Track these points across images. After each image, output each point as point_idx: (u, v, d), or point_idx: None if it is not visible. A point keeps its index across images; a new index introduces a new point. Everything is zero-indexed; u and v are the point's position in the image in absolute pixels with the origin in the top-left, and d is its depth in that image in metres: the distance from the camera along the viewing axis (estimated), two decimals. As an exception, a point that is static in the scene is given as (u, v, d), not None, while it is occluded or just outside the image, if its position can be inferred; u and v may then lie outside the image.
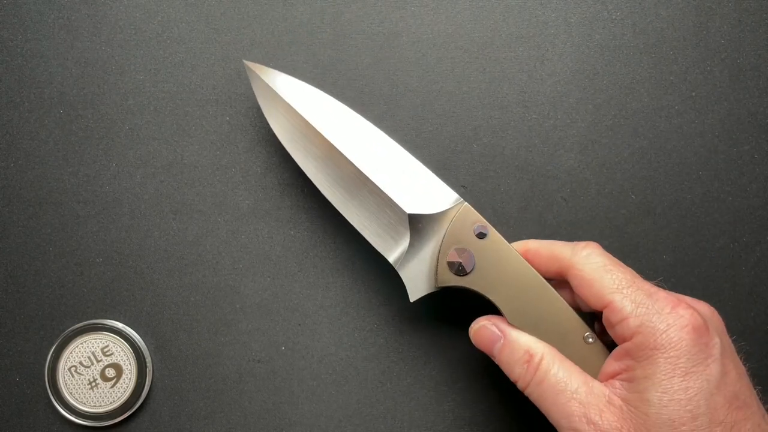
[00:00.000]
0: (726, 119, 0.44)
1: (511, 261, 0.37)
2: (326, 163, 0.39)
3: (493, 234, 0.37)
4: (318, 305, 0.43)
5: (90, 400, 0.42)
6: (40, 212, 0.43)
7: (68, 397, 0.42)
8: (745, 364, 0.34)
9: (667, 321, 0.32)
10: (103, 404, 0.42)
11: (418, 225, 0.38)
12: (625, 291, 0.34)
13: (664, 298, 0.33)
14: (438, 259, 0.38)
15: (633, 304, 0.33)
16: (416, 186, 0.39)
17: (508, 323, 0.37)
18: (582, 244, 0.36)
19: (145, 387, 0.43)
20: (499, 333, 0.37)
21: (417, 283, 0.39)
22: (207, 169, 0.43)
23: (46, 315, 0.43)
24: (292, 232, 0.43)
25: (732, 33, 0.44)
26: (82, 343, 0.42)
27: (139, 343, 0.43)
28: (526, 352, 0.36)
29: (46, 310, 0.43)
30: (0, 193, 0.43)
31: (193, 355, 0.43)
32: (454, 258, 0.37)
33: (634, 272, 0.35)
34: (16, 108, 0.43)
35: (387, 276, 0.43)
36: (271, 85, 0.40)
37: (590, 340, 0.36)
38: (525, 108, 0.44)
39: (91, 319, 0.43)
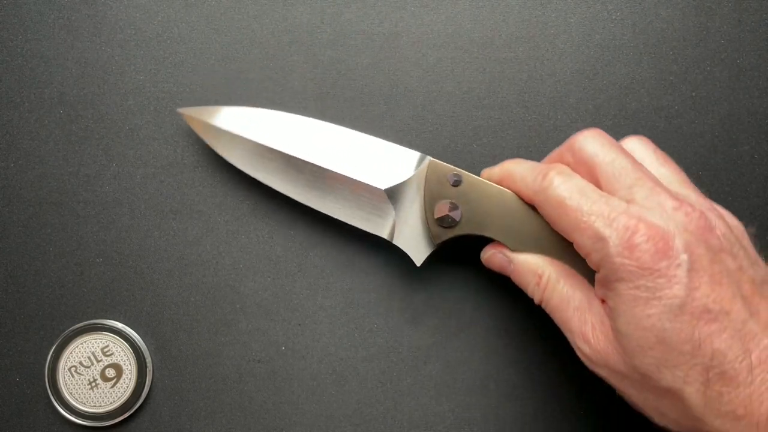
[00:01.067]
0: (726, 119, 0.44)
1: (492, 196, 0.38)
2: (289, 172, 0.41)
3: (467, 176, 0.39)
4: (318, 305, 0.43)
5: (90, 400, 0.42)
6: (40, 212, 0.43)
7: (68, 397, 0.42)
8: (760, 251, 0.34)
9: (623, 253, 0.32)
10: (103, 404, 0.42)
11: (396, 195, 0.40)
12: (583, 224, 0.33)
13: (623, 225, 0.32)
14: (427, 220, 0.39)
15: (591, 240, 0.33)
16: (378, 159, 0.40)
17: (511, 250, 0.38)
18: (544, 171, 0.36)
19: (145, 387, 0.43)
20: (507, 258, 0.38)
21: (416, 248, 0.40)
22: (207, 169, 0.43)
23: (46, 315, 0.43)
24: (292, 232, 0.43)
25: (732, 33, 0.44)
26: (82, 343, 0.42)
27: (139, 343, 0.43)
28: (534, 273, 0.37)
29: (46, 310, 0.43)
30: (0, 193, 0.43)
31: (193, 355, 0.43)
32: (442, 213, 0.39)
33: (601, 192, 0.34)
34: (16, 108, 0.43)
35: (387, 275, 0.43)
36: (210, 122, 0.41)
37: None
38: (525, 108, 0.44)
39: (91, 319, 0.43)
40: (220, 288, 0.43)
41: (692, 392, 0.31)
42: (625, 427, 0.42)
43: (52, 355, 0.42)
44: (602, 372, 0.34)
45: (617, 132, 0.44)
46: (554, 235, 0.37)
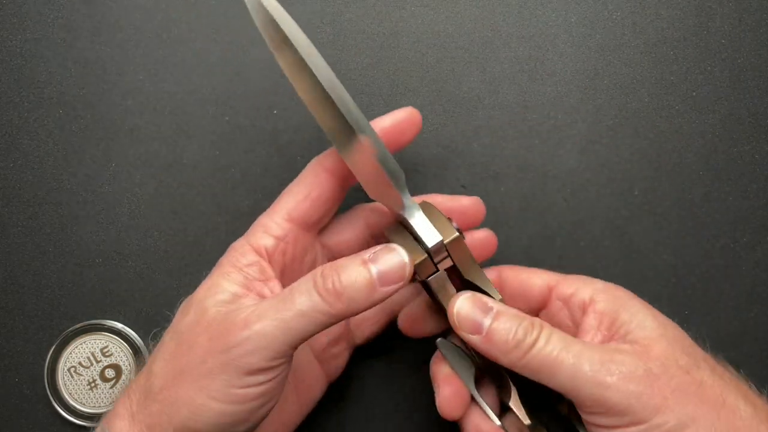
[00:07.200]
0: (726, 119, 0.44)
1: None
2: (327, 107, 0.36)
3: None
4: (318, 305, 0.43)
5: (89, 400, 0.42)
6: (40, 212, 0.43)
7: (68, 398, 0.42)
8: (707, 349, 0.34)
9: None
10: (102, 405, 0.42)
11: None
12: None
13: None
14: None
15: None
16: None
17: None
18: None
19: (145, 387, 0.43)
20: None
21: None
22: (207, 169, 0.43)
23: (46, 315, 0.43)
24: (292, 232, 0.43)
25: (732, 33, 0.44)
26: (81, 344, 0.42)
27: (138, 344, 0.43)
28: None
29: (46, 310, 0.43)
30: (0, 193, 0.43)
31: (193, 355, 0.43)
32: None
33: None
34: (16, 108, 0.43)
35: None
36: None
37: None
38: (525, 108, 0.44)
39: (91, 319, 0.43)
40: (220, 288, 0.43)
41: None
42: (626, 428, 0.42)
43: (51, 356, 0.42)
44: None
45: (617, 132, 0.44)
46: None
